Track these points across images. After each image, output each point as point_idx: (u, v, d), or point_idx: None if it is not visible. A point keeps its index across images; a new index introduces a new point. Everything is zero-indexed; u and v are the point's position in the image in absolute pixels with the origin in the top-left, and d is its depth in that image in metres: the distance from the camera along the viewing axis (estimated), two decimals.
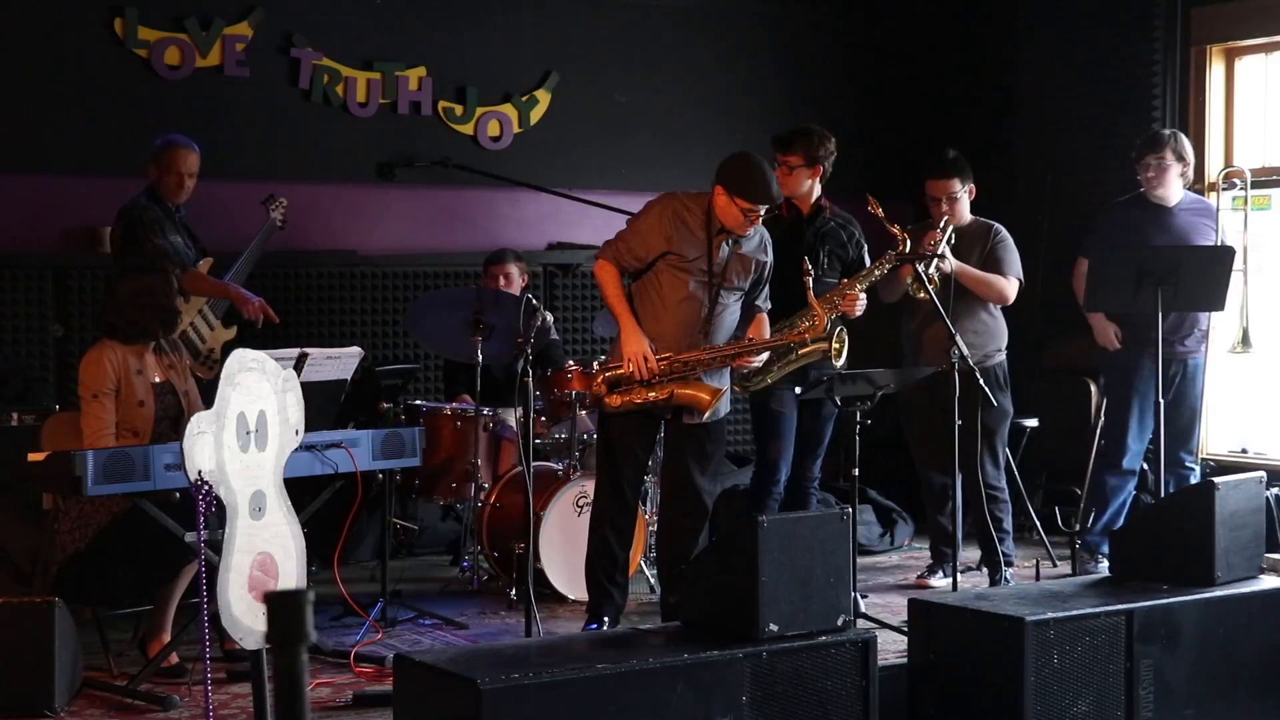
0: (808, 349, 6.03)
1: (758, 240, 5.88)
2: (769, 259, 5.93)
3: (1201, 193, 7.63)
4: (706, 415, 5.79)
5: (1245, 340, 7.15)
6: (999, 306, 6.86)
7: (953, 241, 6.65)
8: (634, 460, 5.89)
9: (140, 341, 5.56)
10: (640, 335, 5.74)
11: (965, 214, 6.85)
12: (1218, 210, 7.19)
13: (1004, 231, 6.88)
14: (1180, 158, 6.98)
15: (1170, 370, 6.93)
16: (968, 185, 6.80)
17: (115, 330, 5.54)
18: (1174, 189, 7.02)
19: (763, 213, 5.74)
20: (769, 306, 6.00)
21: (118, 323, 5.54)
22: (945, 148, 6.91)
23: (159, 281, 5.65)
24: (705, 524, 5.93)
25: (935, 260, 6.47)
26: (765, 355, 5.98)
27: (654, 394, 5.73)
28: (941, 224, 6.62)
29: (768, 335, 5.95)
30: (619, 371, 5.76)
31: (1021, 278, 6.86)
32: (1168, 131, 7.17)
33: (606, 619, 5.89)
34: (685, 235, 5.74)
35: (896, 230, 6.19)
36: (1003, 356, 6.88)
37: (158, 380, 5.61)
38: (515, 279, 7.33)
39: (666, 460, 6.04)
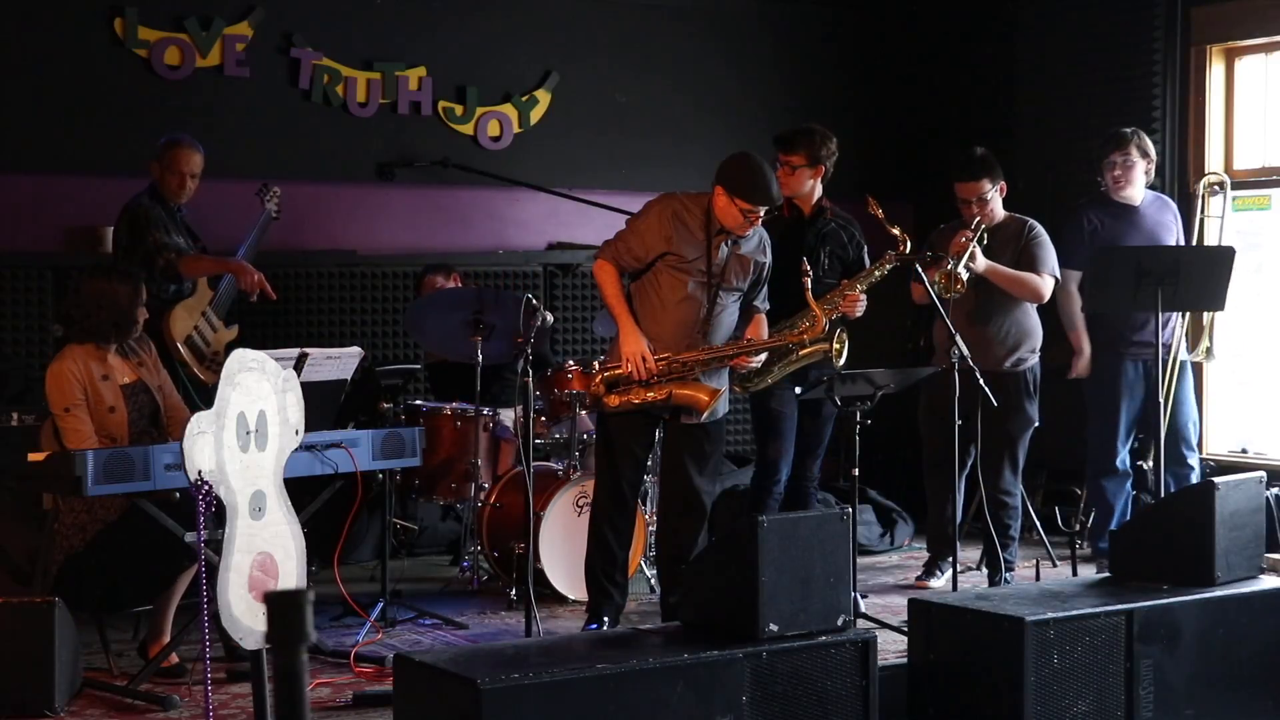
0: (808, 350, 6.04)
1: (756, 241, 5.88)
2: (767, 260, 5.93)
3: (1199, 195, 7.62)
4: (705, 415, 5.79)
5: (1210, 353, 7.11)
6: (1034, 306, 6.78)
7: (984, 242, 6.59)
8: (633, 460, 5.89)
9: (92, 341, 5.53)
10: (639, 335, 5.74)
11: (998, 213, 6.75)
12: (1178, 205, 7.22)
13: (1039, 228, 6.77)
14: (1145, 154, 6.98)
15: (1142, 372, 6.95)
16: (998, 184, 6.70)
17: (70, 323, 5.54)
18: (1139, 187, 7.02)
19: (762, 214, 5.73)
20: (767, 307, 6.00)
21: (75, 316, 5.53)
22: (972, 146, 6.80)
23: (125, 289, 5.56)
24: (704, 524, 5.93)
25: (965, 260, 6.42)
26: (764, 356, 5.98)
27: (652, 394, 5.73)
28: (973, 225, 6.56)
29: (766, 336, 5.95)
30: (618, 371, 5.76)
31: (1058, 275, 6.76)
32: (1129, 130, 7.12)
33: (606, 619, 5.89)
34: (684, 235, 5.74)
35: (897, 231, 6.18)
36: (1035, 360, 6.79)
37: (127, 381, 5.58)
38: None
39: (664, 460, 6.03)
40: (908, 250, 6.20)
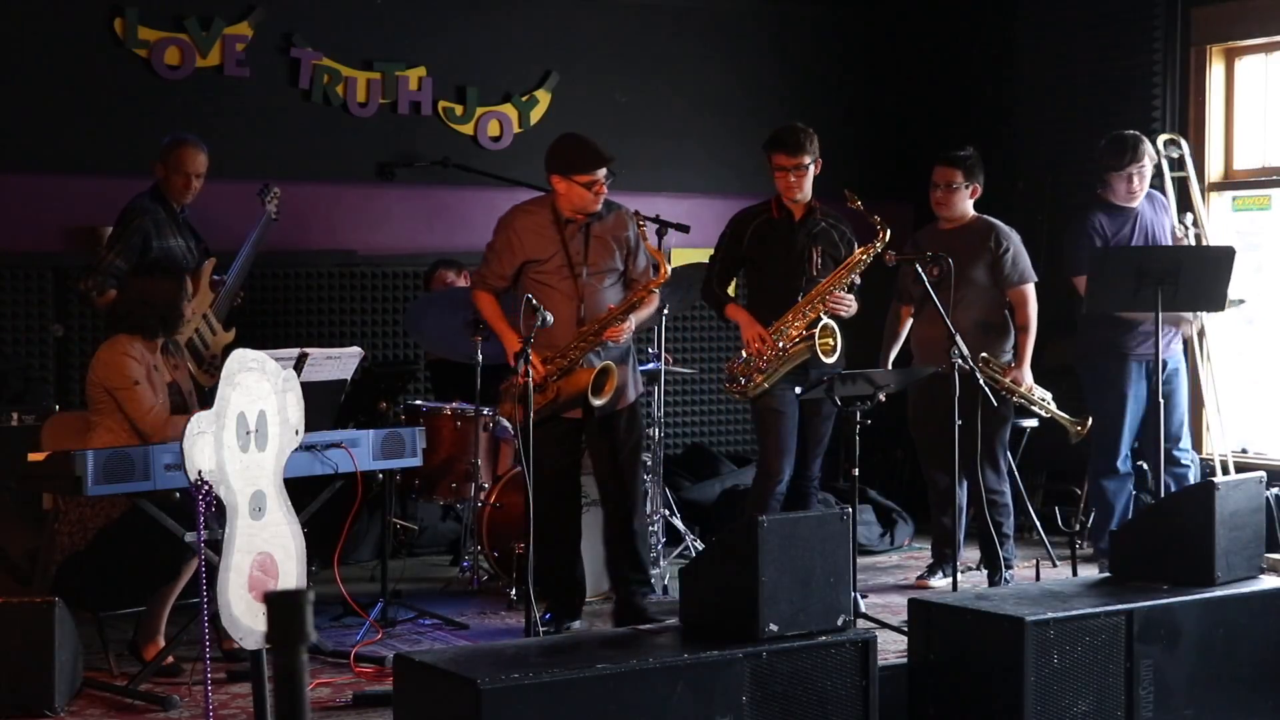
0: (795, 348, 6.14)
1: (613, 218, 5.96)
2: (629, 231, 6.01)
3: (1202, 193, 7.60)
4: (601, 400, 5.84)
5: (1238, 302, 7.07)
6: (1005, 306, 6.83)
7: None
8: (549, 467, 5.92)
9: (140, 334, 5.59)
10: (518, 347, 5.78)
11: (961, 209, 6.80)
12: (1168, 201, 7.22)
13: (1006, 238, 6.79)
14: (1151, 158, 7.01)
15: (1144, 373, 6.95)
16: (971, 184, 6.76)
17: (119, 320, 5.63)
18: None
19: (603, 177, 5.85)
20: (658, 274, 5.99)
21: (121, 313, 5.64)
22: (968, 146, 6.89)
23: (171, 285, 5.70)
24: (631, 508, 6.04)
25: (1030, 402, 6.75)
26: (633, 320, 5.95)
27: (545, 396, 5.81)
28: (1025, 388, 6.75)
29: (653, 307, 6.07)
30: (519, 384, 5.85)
31: (1034, 279, 6.82)
32: (1130, 133, 7.06)
33: (550, 616, 6.02)
34: (534, 240, 5.92)
35: (877, 221, 6.20)
36: (1009, 358, 6.83)
37: (168, 380, 5.67)
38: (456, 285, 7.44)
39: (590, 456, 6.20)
40: (887, 238, 6.21)
